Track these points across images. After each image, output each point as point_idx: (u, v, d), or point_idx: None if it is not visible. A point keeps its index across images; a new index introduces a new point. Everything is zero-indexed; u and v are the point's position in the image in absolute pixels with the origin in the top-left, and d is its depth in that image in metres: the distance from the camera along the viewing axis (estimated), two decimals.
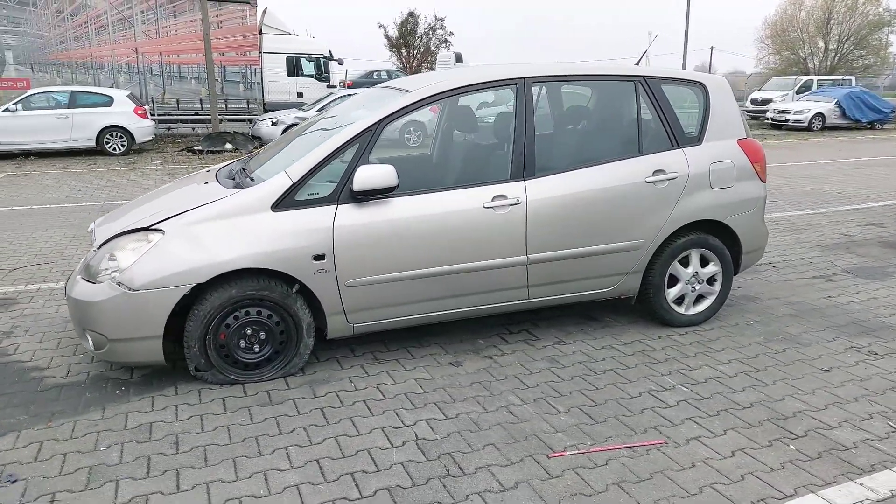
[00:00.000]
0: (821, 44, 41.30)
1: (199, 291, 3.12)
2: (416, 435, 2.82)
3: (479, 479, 2.50)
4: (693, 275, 4.02)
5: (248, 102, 18.14)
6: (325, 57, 18.55)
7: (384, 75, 27.35)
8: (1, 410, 3.01)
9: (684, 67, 29.53)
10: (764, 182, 4.14)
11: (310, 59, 18.35)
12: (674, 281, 4.02)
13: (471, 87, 3.63)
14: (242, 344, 3.25)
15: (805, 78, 26.19)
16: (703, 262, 4.05)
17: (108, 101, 13.63)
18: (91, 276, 3.15)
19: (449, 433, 2.84)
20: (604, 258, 3.76)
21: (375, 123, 3.37)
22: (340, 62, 18.95)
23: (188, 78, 17.50)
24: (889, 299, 4.60)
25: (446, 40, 46.98)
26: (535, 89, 3.71)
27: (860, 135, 19.44)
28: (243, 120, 17.18)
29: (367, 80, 25.15)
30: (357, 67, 29.71)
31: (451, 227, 3.42)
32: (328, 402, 3.11)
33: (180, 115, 17.64)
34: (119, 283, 3.03)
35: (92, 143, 13.50)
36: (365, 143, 3.33)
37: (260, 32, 18.05)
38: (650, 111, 3.88)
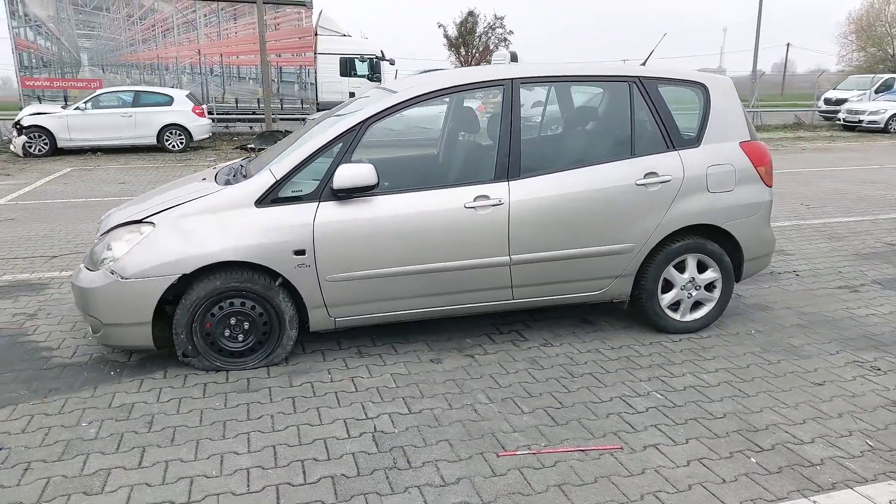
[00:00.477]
0: None
1: (187, 282, 3.30)
2: (375, 427, 2.90)
3: (422, 473, 2.55)
4: (689, 280, 3.93)
5: (302, 102, 18.67)
6: (377, 57, 18.87)
7: None
8: (6, 385, 3.27)
9: (755, 65, 28.33)
10: (769, 186, 4.00)
11: (362, 60, 18.72)
12: (669, 286, 3.94)
13: (456, 88, 3.67)
14: (227, 333, 3.41)
15: (886, 76, 24.65)
16: (702, 267, 3.96)
17: (169, 101, 14.34)
18: (92, 264, 3.38)
19: (408, 427, 2.90)
20: (591, 261, 3.73)
21: (359, 124, 3.46)
22: (392, 62, 19.22)
23: (246, 79, 18.17)
24: None
25: (505, 39, 46.94)
26: (523, 91, 3.71)
27: None
28: (297, 119, 17.67)
29: None
30: (412, 67, 30.08)
31: (431, 226, 3.47)
32: (301, 392, 3.23)
33: (238, 114, 18.33)
34: (112, 272, 3.24)
35: (153, 141, 14.24)
36: (348, 143, 3.43)
37: (315, 34, 18.53)
38: (645, 112, 3.82)
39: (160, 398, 3.15)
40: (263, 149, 14.50)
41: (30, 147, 13.52)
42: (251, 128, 18.50)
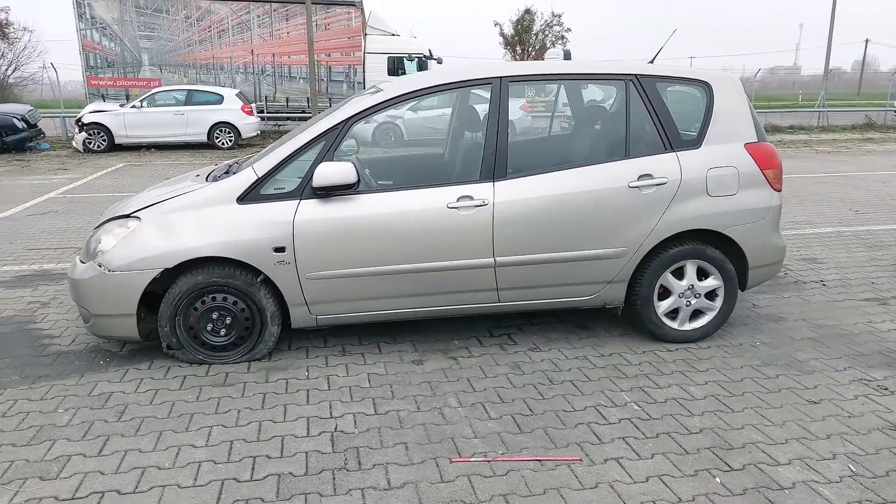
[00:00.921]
0: None
1: (173, 276, 3.38)
2: (336, 427, 2.89)
3: (370, 476, 2.53)
4: (688, 288, 3.76)
5: None
6: (424, 56, 18.92)
7: None
8: (3, 370, 3.43)
9: (827, 62, 26.86)
10: (777, 191, 3.78)
11: (410, 59, 18.79)
12: (666, 293, 3.78)
13: (442, 86, 3.63)
14: (209, 327, 3.48)
15: None
16: (703, 274, 3.78)
17: (219, 100, 14.80)
18: (85, 256, 3.51)
19: (369, 428, 2.88)
20: (581, 265, 3.61)
21: (342, 122, 3.47)
22: (440, 61, 19.21)
23: (297, 78, 18.56)
24: None
25: (563, 36, 46.26)
26: (513, 89, 3.63)
27: None
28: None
29: None
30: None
31: (413, 226, 3.44)
32: (275, 388, 3.26)
33: (289, 112, 18.74)
34: (100, 265, 3.35)
35: (203, 138, 14.74)
36: (331, 141, 3.44)
37: (364, 34, 18.75)
38: (642, 112, 3.67)
39: (138, 389, 3.24)
40: None
41: (89, 143, 14.22)
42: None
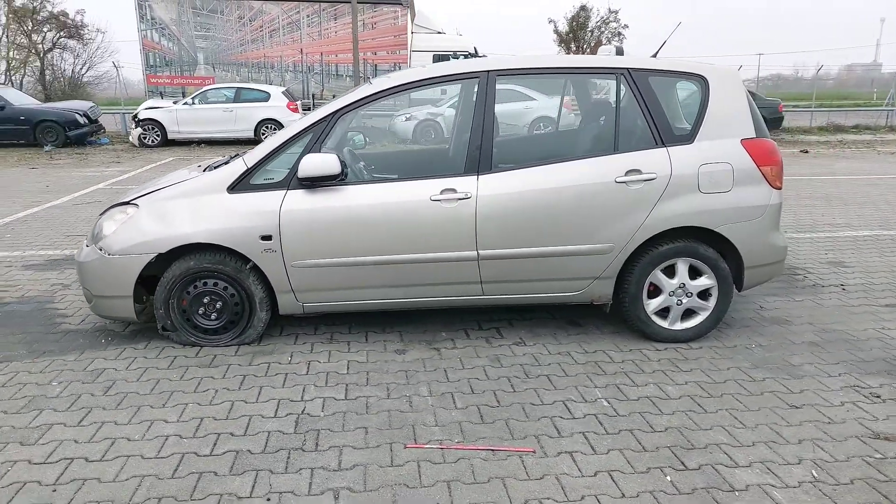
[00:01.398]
0: None
1: (168, 260, 3.55)
2: (303, 410, 2.98)
3: (323, 457, 2.60)
4: (679, 286, 3.68)
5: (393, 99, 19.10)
6: (469, 54, 18.96)
7: None
8: (13, 344, 3.68)
9: None
10: (776, 188, 3.65)
11: (455, 56, 18.87)
12: (657, 291, 3.71)
13: (430, 80, 3.68)
14: (201, 311, 3.63)
15: None
16: (696, 273, 3.69)
17: (266, 97, 15.25)
18: (90, 241, 3.72)
19: (335, 412, 2.96)
20: (566, 260, 3.59)
21: (330, 114, 3.56)
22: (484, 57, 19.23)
23: (343, 76, 18.92)
24: None
25: (619, 33, 45.38)
26: (500, 83, 3.64)
27: None
28: (388, 115, 18.17)
29: None
30: None
31: (396, 217, 3.49)
32: (255, 371, 3.38)
33: None
34: (101, 249, 3.55)
35: (251, 134, 15.21)
36: (318, 133, 3.53)
37: (410, 32, 18.94)
38: (632, 106, 3.61)
39: (130, 366, 3.41)
40: None
41: (144, 138, 14.90)
42: None
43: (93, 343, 3.72)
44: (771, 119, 16.96)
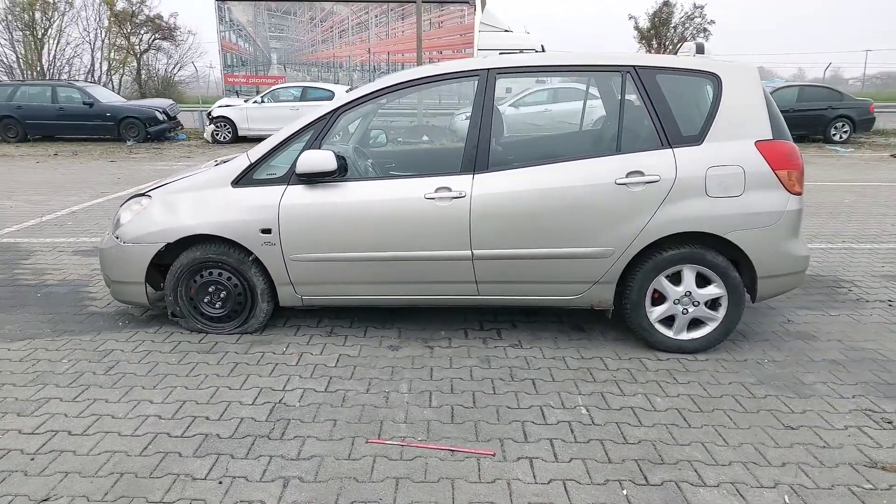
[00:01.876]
0: None
1: (178, 249, 3.72)
2: (281, 399, 3.05)
3: (285, 446, 2.66)
4: (685, 294, 3.52)
5: (458, 98, 19.18)
6: (536, 51, 18.74)
7: None
8: (39, 324, 3.96)
9: None
10: (795, 194, 3.42)
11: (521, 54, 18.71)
12: (662, 298, 3.57)
13: (428, 79, 3.67)
14: (206, 299, 3.78)
15: None
16: (704, 281, 3.52)
17: (331, 96, 15.63)
18: (111, 230, 3.95)
19: (311, 404, 3.02)
20: (563, 263, 3.50)
21: (330, 112, 3.62)
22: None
23: None
24: None
25: (705, 29, 43.60)
26: (500, 82, 3.59)
27: None
28: (449, 114, 18.25)
29: None
30: None
31: (391, 214, 3.52)
32: (248, 359, 3.49)
33: (401, 110, 19.35)
34: (117, 237, 3.76)
35: None
36: (319, 130, 3.60)
37: (477, 31, 18.92)
38: (638, 105, 3.48)
39: (136, 349, 3.60)
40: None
41: (216, 135, 15.63)
42: (411, 122, 19.45)
43: (110, 325, 3.95)
44: (861, 120, 15.89)
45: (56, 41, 32.81)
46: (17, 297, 4.43)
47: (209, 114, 15.95)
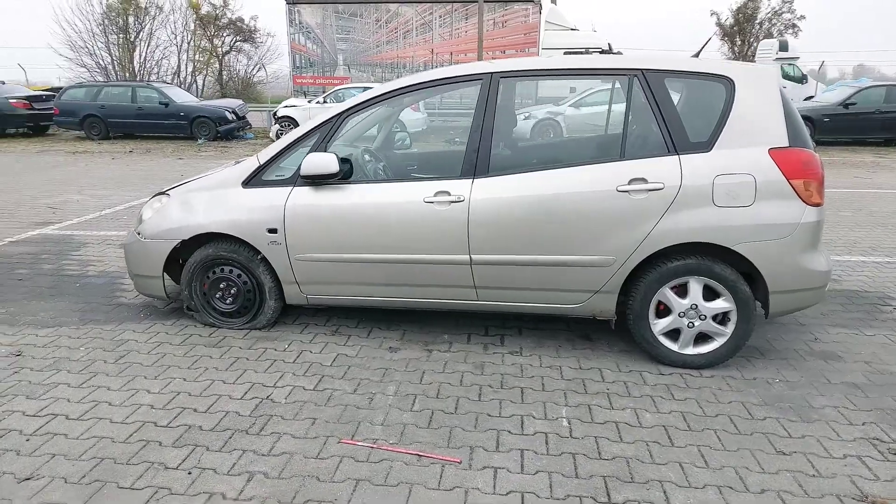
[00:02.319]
0: None
1: (193, 246, 3.89)
2: (267, 396, 3.13)
3: (259, 441, 2.73)
4: (691, 307, 3.37)
5: (521, 98, 19.05)
6: (602, 50, 18.32)
7: None
8: (69, 313, 4.23)
9: None
10: (812, 205, 3.21)
11: (587, 53, 18.35)
12: (667, 311, 3.43)
13: (432, 83, 3.66)
14: (218, 295, 3.93)
15: None
16: (713, 294, 3.36)
17: None
18: (135, 226, 4.17)
19: (296, 401, 3.08)
20: (563, 271, 3.43)
21: (335, 116, 3.68)
22: (619, 55, 18.50)
23: None
24: None
25: (794, 25, 41.27)
26: (503, 85, 3.55)
27: None
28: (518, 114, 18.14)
29: None
30: None
31: (390, 217, 3.54)
32: (249, 355, 3.60)
33: (461, 109, 19.41)
34: (139, 233, 3.97)
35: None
36: (325, 134, 3.68)
37: (542, 30, 18.72)
38: (645, 110, 3.36)
39: (149, 339, 3.79)
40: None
41: (281, 133, 16.15)
42: None
43: (132, 316, 4.17)
44: None
45: (147, 44, 34.81)
46: (58, 287, 4.75)
47: (275, 113, 16.51)
